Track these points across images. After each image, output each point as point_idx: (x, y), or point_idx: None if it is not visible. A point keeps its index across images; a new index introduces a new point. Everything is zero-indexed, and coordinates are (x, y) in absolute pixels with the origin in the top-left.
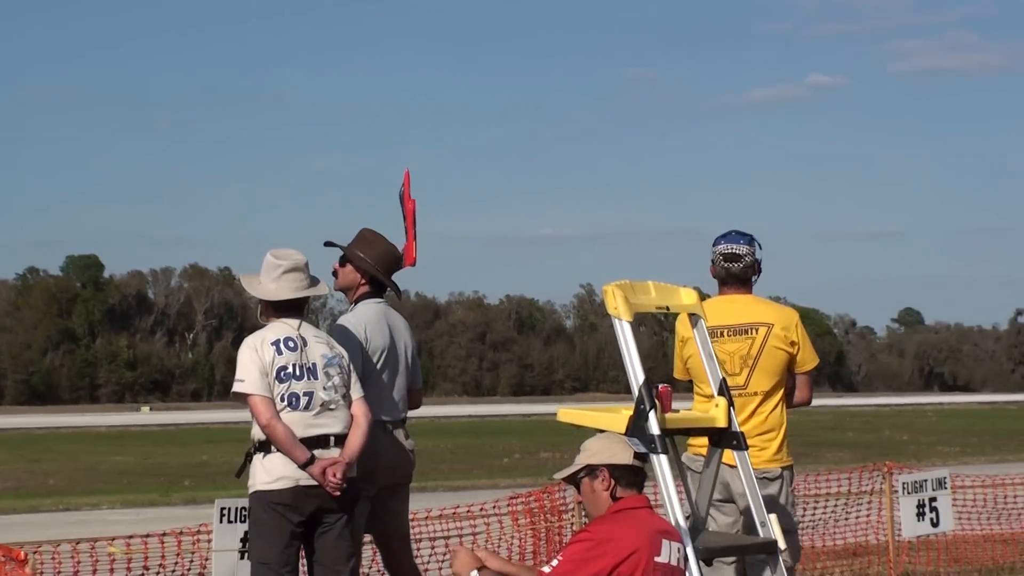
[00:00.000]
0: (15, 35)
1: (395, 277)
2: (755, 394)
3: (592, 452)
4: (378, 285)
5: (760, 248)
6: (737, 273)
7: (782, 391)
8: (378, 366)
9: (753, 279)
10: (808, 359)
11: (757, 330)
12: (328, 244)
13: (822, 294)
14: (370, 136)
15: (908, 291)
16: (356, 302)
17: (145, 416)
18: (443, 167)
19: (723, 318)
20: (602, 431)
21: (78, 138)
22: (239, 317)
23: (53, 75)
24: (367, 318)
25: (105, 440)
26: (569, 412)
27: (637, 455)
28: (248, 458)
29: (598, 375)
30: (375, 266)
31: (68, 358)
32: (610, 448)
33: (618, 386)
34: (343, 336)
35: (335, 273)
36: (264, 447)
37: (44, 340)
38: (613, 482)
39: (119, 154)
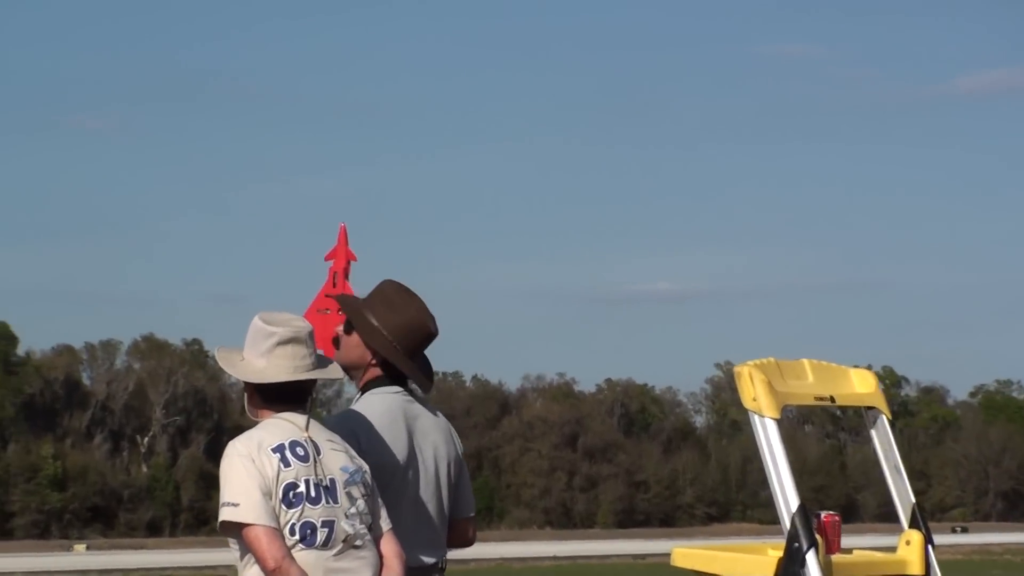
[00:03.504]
0: None
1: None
2: None
3: None
4: (397, 368)
5: None
6: None
7: None
8: (391, 485)
9: None
10: None
11: None
12: (330, 297)
13: None
14: (405, 152)
15: None
16: (364, 390)
17: (81, 558)
18: (507, 197)
19: None
20: None
21: None
22: (216, 413)
23: None
24: (373, 415)
25: None
26: (689, 553)
27: None
28: None
29: (744, 497)
30: (392, 341)
31: None
32: None
33: (774, 513)
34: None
35: (336, 342)
36: None
37: None
38: None
39: (31, 171)
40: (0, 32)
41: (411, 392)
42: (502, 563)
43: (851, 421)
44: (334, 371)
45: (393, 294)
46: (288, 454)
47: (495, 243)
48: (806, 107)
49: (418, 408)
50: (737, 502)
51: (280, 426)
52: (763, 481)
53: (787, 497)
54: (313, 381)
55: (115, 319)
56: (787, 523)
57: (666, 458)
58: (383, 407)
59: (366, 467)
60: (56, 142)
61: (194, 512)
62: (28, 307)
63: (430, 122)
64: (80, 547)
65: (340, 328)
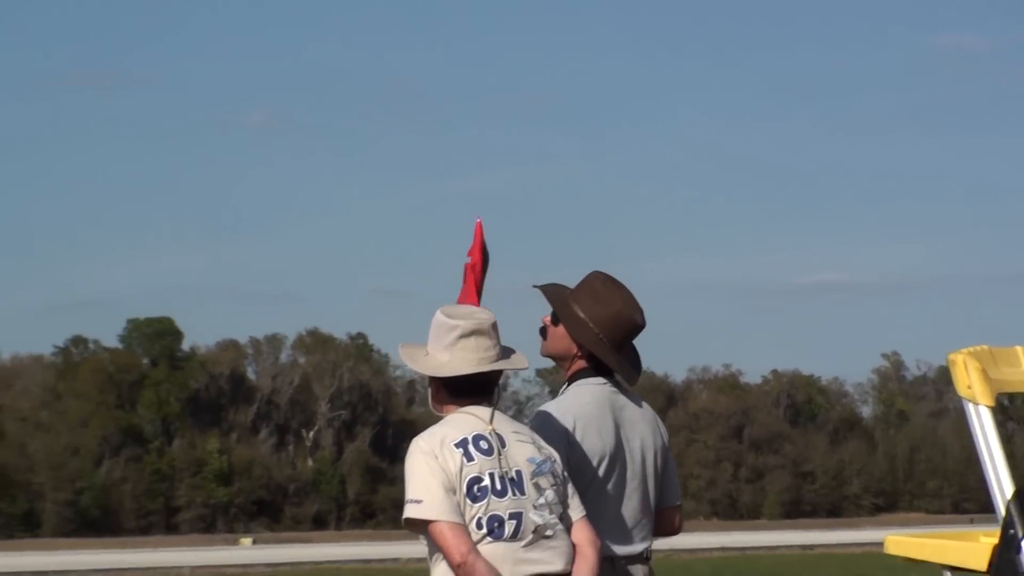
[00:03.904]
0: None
1: None
2: None
3: None
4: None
5: None
6: None
7: None
8: (597, 476)
9: None
10: None
11: None
12: (538, 288)
13: None
14: (562, 142)
15: None
16: (571, 380)
17: (247, 552)
18: (672, 190)
19: None
20: (951, 568)
21: (133, 148)
22: (381, 407)
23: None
24: (580, 407)
25: None
26: (902, 541)
27: None
28: None
29: (911, 487)
30: (597, 334)
31: (133, 468)
32: None
33: (942, 502)
34: (544, 430)
35: (543, 332)
36: None
37: (97, 443)
38: None
39: (195, 165)
40: (166, 36)
41: (617, 383)
42: (670, 554)
43: (1020, 411)
44: (518, 361)
45: (600, 286)
46: (471, 448)
47: (660, 236)
48: (982, 98)
49: (624, 399)
50: (904, 492)
51: (464, 420)
52: (931, 471)
53: (1002, 484)
54: (499, 373)
55: (280, 312)
56: (1002, 510)
57: (832, 448)
58: (591, 398)
59: (556, 456)
60: (219, 139)
61: (360, 506)
62: (193, 303)
63: (594, 117)
64: (246, 541)
65: (548, 318)
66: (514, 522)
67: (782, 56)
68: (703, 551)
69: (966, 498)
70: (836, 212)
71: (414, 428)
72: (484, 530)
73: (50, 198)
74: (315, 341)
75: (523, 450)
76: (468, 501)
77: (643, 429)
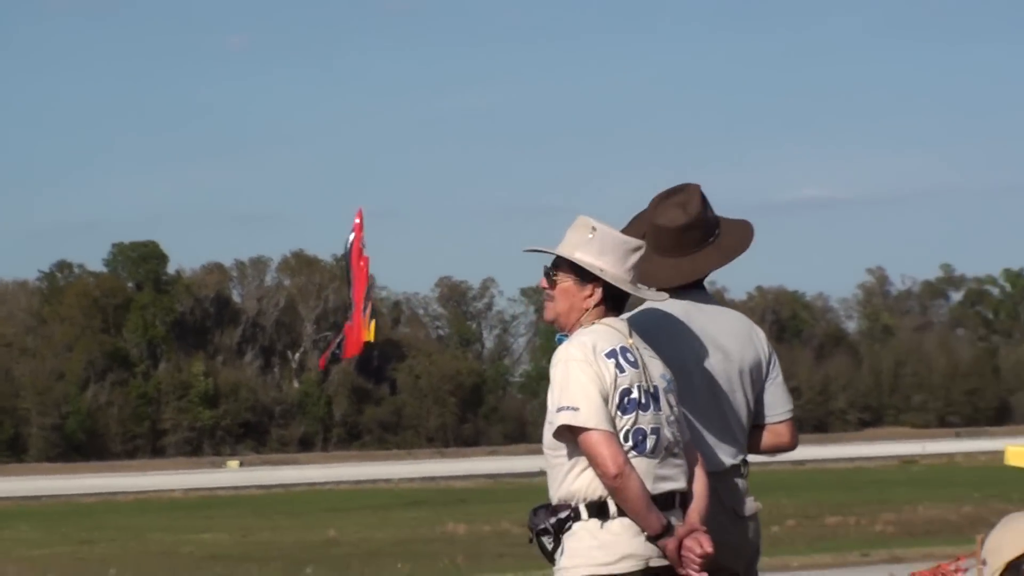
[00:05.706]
0: None
1: None
2: None
3: (1003, 545)
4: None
5: None
6: None
7: None
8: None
9: None
10: None
11: None
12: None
13: None
14: (535, 61)
15: None
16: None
17: (234, 474)
18: (646, 103)
19: None
20: None
21: (115, 65)
22: None
23: None
24: (649, 320)
25: (181, 510)
26: (1021, 452)
27: None
28: (559, 527)
29: (896, 401)
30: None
31: (119, 392)
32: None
33: (927, 416)
34: None
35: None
36: (600, 511)
37: (83, 367)
38: None
39: (175, 86)
40: None
41: (706, 294)
42: None
43: (1004, 324)
44: (660, 294)
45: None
46: (621, 360)
47: (634, 154)
48: (966, 6)
49: (711, 310)
50: (890, 406)
51: (608, 332)
52: (916, 385)
53: None
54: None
55: (265, 234)
56: None
57: (818, 364)
58: (668, 309)
59: (672, 377)
60: (203, 62)
61: (346, 427)
62: (179, 226)
63: (565, 37)
64: (234, 464)
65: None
66: (654, 437)
67: None
68: None
69: (951, 412)
70: (814, 127)
71: (399, 349)
72: (630, 443)
73: (33, 122)
74: (300, 263)
75: (656, 366)
76: (618, 412)
77: (728, 342)
